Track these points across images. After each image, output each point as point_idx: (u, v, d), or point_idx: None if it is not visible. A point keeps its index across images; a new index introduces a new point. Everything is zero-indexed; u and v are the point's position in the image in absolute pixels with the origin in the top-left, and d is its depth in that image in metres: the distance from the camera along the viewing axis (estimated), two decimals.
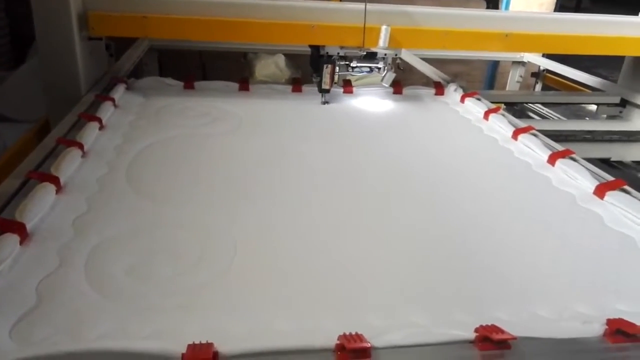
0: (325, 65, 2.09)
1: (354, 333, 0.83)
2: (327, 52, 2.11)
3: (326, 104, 2.16)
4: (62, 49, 1.95)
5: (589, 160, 1.67)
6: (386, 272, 1.09)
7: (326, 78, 2.11)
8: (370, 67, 2.17)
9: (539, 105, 3.27)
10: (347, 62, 2.15)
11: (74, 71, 1.98)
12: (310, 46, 2.23)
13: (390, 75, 2.18)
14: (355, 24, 2.06)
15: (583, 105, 3.23)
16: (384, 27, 2.06)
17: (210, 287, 0.99)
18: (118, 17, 2.01)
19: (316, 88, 2.30)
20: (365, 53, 2.13)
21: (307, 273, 1.07)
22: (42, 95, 2.03)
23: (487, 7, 3.39)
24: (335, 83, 2.18)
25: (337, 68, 2.13)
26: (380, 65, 2.17)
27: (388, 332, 0.86)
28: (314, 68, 2.23)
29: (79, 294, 0.94)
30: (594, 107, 3.09)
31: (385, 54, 2.14)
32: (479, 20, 2.29)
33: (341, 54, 2.13)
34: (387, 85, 2.28)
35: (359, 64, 2.15)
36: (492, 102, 2.23)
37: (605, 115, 2.91)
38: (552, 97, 3.24)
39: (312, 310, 0.95)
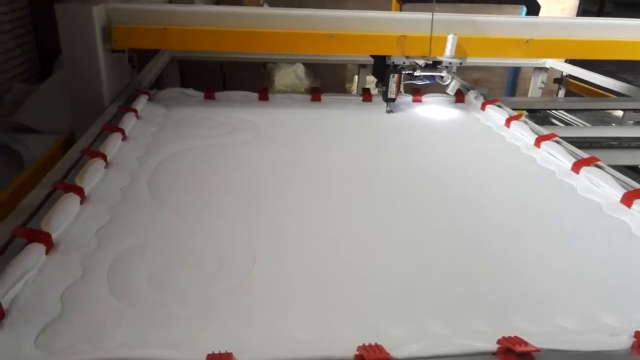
0: (391, 75, 2.13)
1: (373, 344, 0.83)
2: (393, 62, 2.14)
3: (390, 113, 2.18)
4: (87, 62, 2.00)
5: (616, 167, 1.63)
6: (406, 282, 1.08)
7: (392, 87, 2.15)
8: (432, 75, 2.17)
9: (563, 112, 3.21)
10: (410, 71, 2.16)
11: (98, 83, 2.03)
12: (373, 56, 2.25)
13: (455, 84, 2.20)
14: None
15: (609, 111, 3.14)
16: (450, 36, 2.07)
17: (230, 297, 1.00)
18: (140, 30, 2.06)
19: (335, 97, 2.32)
20: (431, 62, 2.14)
21: (326, 283, 1.06)
22: (67, 107, 2.08)
23: (527, 14, 3.37)
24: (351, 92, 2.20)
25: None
26: (444, 73, 2.17)
27: (407, 343, 0.85)
28: (378, 77, 2.26)
29: (101, 303, 0.95)
30: (619, 113, 3.02)
31: (450, 63, 2.14)
32: (499, 26, 2.27)
33: (406, 63, 2.15)
34: (452, 94, 2.28)
35: (422, 73, 2.16)
36: (514, 109, 2.21)
37: (632, 122, 2.84)
38: (576, 103, 3.17)
39: (331, 320, 0.95)
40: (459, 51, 2.11)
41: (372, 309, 0.99)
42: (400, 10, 3.48)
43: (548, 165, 1.68)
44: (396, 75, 2.13)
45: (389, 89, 2.15)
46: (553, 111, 3.25)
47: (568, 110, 3.19)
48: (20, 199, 1.26)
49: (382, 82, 2.19)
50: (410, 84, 2.23)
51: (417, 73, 2.16)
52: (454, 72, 2.18)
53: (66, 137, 2.17)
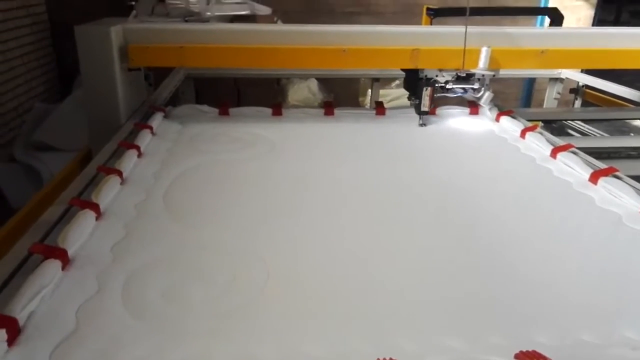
0: (424, 88, 2.14)
1: (388, 359, 0.81)
2: (426, 75, 2.15)
3: (423, 126, 2.19)
4: (104, 81, 2.04)
5: (636, 178, 1.60)
6: (421, 295, 1.07)
7: (425, 100, 2.15)
8: (464, 88, 2.17)
9: (579, 122, 3.17)
10: (442, 84, 2.17)
11: (115, 101, 2.06)
12: (405, 70, 2.27)
13: (489, 95, 2.18)
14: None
15: (627, 121, 3.08)
16: (484, 49, 2.07)
17: (244, 312, 1.00)
18: (156, 49, 2.09)
19: (348, 111, 2.32)
20: (464, 74, 2.14)
21: (340, 297, 1.06)
22: (85, 125, 2.12)
23: (551, 24, 3.36)
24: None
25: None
26: (476, 85, 2.17)
27: (424, 357, 0.84)
28: (410, 91, 2.27)
29: (116, 319, 0.96)
30: (638, 123, 2.97)
31: (483, 75, 2.14)
32: (515, 38, 2.25)
33: (439, 76, 2.15)
34: (485, 106, 2.29)
35: (454, 86, 2.17)
36: (530, 121, 2.19)
37: None
38: (593, 113, 3.11)
39: (345, 335, 0.94)
40: (493, 63, 2.10)
41: (388, 323, 0.97)
42: (431, 24, 3.48)
43: (565, 176, 1.66)
44: (429, 88, 2.13)
45: (422, 102, 2.15)
46: (569, 122, 3.21)
47: (585, 121, 3.14)
48: (39, 215, 1.28)
49: (415, 95, 2.19)
50: (442, 96, 2.23)
51: (449, 86, 2.16)
52: (487, 84, 2.17)
53: (83, 155, 2.21)
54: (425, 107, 2.16)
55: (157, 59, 2.14)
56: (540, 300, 1.05)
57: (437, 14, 3.52)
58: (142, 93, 2.39)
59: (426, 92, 2.14)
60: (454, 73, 2.15)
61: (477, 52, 2.08)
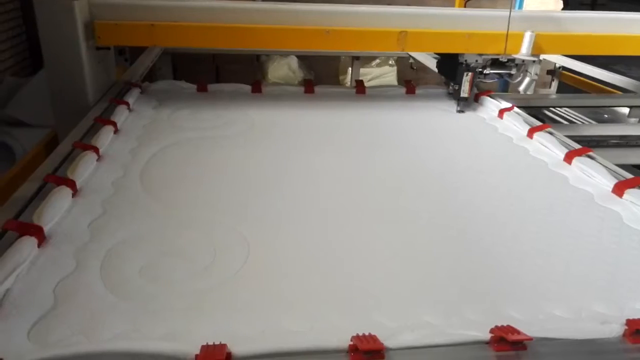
0: (465, 73, 2.07)
1: (367, 334, 0.83)
2: (466, 60, 2.09)
3: (461, 113, 2.12)
4: (69, 60, 1.90)
5: (624, 167, 1.60)
6: (398, 272, 1.09)
7: (466, 86, 2.08)
8: (500, 73, 2.13)
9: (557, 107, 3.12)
10: (480, 69, 2.12)
11: (81, 81, 1.93)
12: (440, 54, 2.21)
13: (530, 82, 2.12)
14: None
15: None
16: (528, 34, 2.01)
17: (223, 289, 1.00)
18: (125, 26, 1.95)
19: (328, 89, 2.31)
20: (505, 60, 2.09)
21: (320, 274, 1.07)
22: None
23: (564, 8, 3.33)
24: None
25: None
26: (513, 71, 2.12)
27: (401, 333, 0.85)
28: (447, 76, 2.20)
29: (94, 295, 0.95)
30: (618, 109, 2.92)
31: (524, 61, 2.09)
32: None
33: (479, 61, 2.09)
34: (524, 93, 2.24)
35: (491, 71, 2.12)
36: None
37: (638, 119, 2.76)
38: (580, 100, 2.93)
39: (325, 311, 0.95)
40: (536, 48, 2.05)
41: (366, 300, 0.99)
42: (465, 6, 3.40)
43: (540, 155, 1.69)
44: (470, 74, 2.07)
45: (462, 88, 2.08)
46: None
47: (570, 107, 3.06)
48: (12, 192, 1.25)
49: (454, 81, 2.13)
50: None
51: (487, 71, 2.11)
52: (527, 70, 2.12)
53: (51, 138, 2.13)
54: (465, 92, 2.09)
55: (126, 37, 1.99)
56: (513, 277, 1.08)
57: None
58: (112, 71, 2.24)
59: (466, 78, 2.07)
60: (489, 58, 2.08)
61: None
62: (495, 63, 2.11)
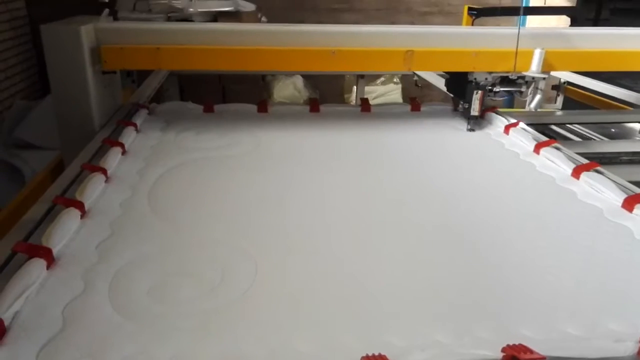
0: (475, 92, 2.07)
1: (377, 354, 0.82)
2: (476, 78, 2.08)
3: (472, 131, 2.10)
4: (75, 85, 1.89)
5: (636, 184, 1.57)
6: (408, 290, 1.08)
7: (476, 104, 2.07)
8: (510, 91, 2.12)
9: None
10: (489, 87, 2.11)
11: (87, 106, 1.93)
12: (450, 73, 2.20)
13: (540, 99, 2.11)
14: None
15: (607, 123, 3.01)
16: (537, 51, 2.01)
17: (232, 309, 0.99)
18: (131, 50, 1.95)
19: (334, 108, 2.32)
20: (515, 77, 2.08)
21: (329, 293, 1.06)
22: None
23: (572, 25, 3.31)
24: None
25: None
26: (523, 89, 2.11)
27: (411, 352, 0.84)
28: (456, 94, 2.19)
29: (102, 317, 0.95)
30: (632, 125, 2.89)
31: (533, 78, 2.08)
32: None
33: (488, 79, 2.08)
34: (535, 110, 2.23)
35: (501, 89, 2.11)
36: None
37: None
38: (590, 116, 2.89)
39: (333, 331, 0.94)
40: (546, 65, 2.04)
41: (375, 319, 0.98)
42: (472, 24, 3.38)
43: (548, 171, 1.68)
44: (480, 92, 2.07)
45: (472, 107, 2.08)
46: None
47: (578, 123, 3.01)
48: (22, 214, 1.26)
49: (463, 99, 2.12)
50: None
51: (496, 89, 2.10)
52: (537, 88, 2.10)
53: (57, 163, 2.14)
54: (475, 111, 2.08)
55: (132, 61, 1.99)
56: (524, 294, 1.07)
57: (480, 14, 3.37)
58: (118, 95, 2.25)
59: (476, 96, 2.07)
60: (498, 76, 2.07)
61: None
62: (505, 80, 2.10)
